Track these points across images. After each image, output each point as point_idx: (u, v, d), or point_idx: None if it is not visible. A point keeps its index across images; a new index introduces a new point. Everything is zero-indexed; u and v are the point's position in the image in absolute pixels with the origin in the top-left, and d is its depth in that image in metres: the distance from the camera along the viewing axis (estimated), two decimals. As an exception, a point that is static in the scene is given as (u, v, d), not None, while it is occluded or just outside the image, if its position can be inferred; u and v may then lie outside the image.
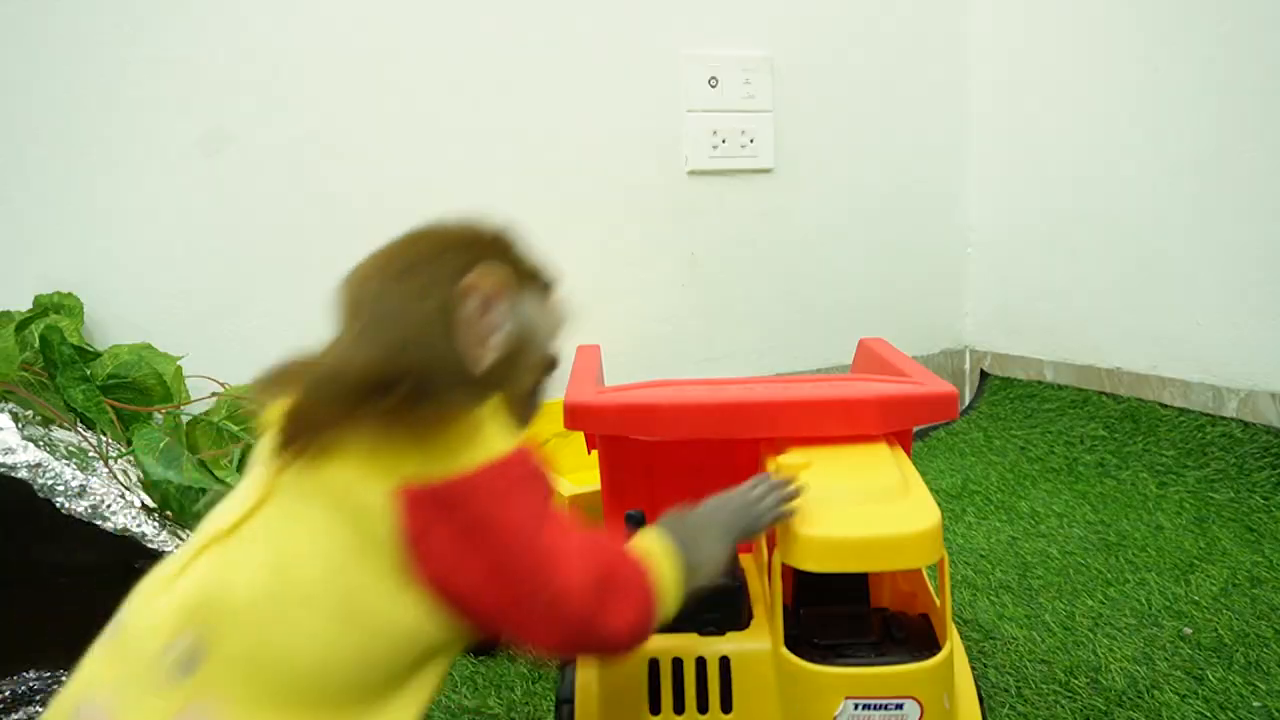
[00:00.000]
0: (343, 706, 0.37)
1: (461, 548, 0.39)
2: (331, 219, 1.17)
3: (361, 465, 0.38)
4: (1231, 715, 0.71)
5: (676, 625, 0.55)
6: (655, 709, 0.54)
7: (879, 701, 0.52)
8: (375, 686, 0.38)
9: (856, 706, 0.52)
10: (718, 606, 0.55)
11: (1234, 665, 0.78)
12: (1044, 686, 0.77)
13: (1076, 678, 0.78)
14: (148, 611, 0.39)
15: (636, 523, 0.59)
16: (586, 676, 0.58)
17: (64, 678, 0.78)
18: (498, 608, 0.40)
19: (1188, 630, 0.85)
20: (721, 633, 0.55)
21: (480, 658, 0.86)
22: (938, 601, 0.60)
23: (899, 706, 0.52)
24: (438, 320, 0.41)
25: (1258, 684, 0.75)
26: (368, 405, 0.37)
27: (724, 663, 0.55)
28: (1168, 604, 0.90)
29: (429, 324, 0.41)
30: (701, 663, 0.55)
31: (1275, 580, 0.94)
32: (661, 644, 0.55)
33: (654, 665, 0.55)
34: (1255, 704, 0.73)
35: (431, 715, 0.77)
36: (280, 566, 0.38)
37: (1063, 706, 0.74)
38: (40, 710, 0.75)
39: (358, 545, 0.38)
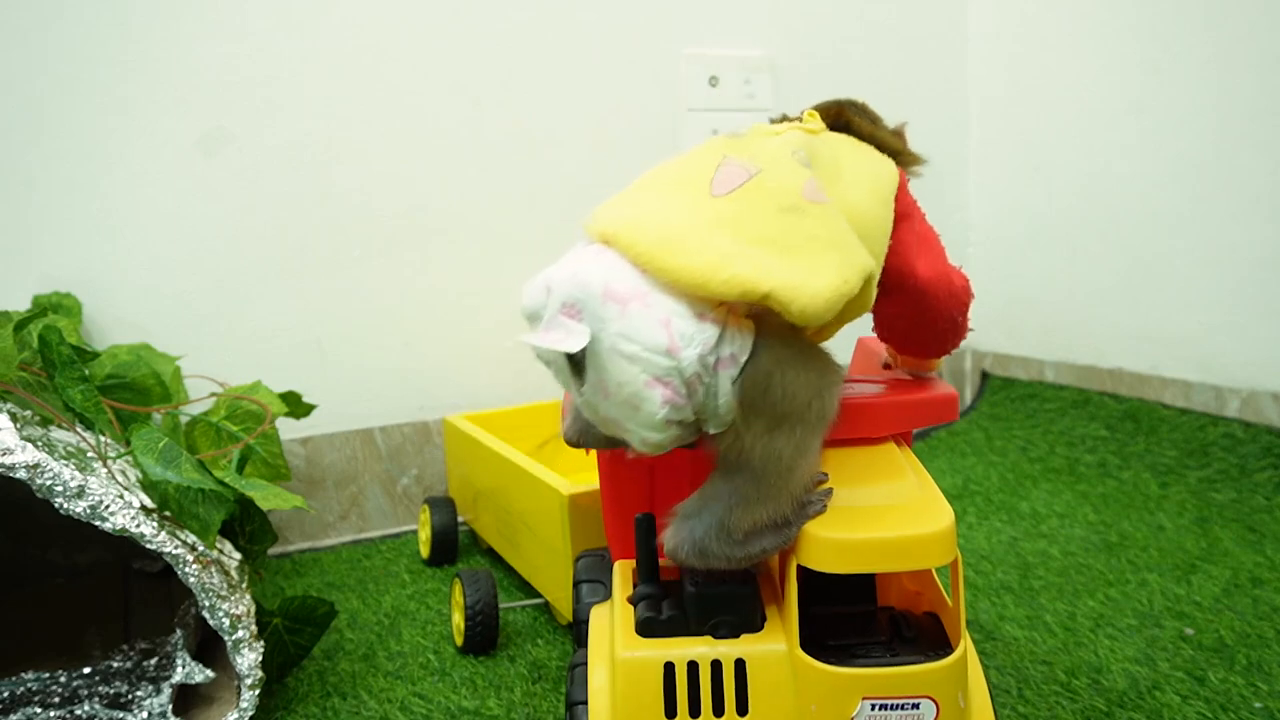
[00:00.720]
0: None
1: (913, 208, 0.66)
2: (331, 219, 1.17)
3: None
4: (1233, 716, 0.71)
5: (690, 628, 0.55)
6: (671, 712, 0.54)
7: (896, 701, 0.51)
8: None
9: (874, 707, 0.51)
10: (732, 608, 0.55)
11: (1235, 666, 0.78)
12: (1045, 687, 0.77)
13: (1078, 678, 0.78)
14: (768, 138, 0.62)
15: (646, 524, 0.59)
16: (600, 679, 0.58)
17: (63, 678, 0.78)
18: (917, 248, 0.64)
19: (1189, 631, 0.85)
20: (736, 635, 0.55)
21: (480, 657, 0.86)
22: (949, 601, 0.60)
23: (915, 706, 0.52)
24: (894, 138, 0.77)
25: (1259, 685, 0.75)
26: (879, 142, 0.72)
27: (739, 665, 0.54)
28: (1169, 604, 0.90)
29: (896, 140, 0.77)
30: (717, 665, 0.54)
31: (1277, 581, 0.94)
32: (676, 647, 0.55)
33: (669, 669, 0.54)
34: (1257, 705, 0.73)
35: (431, 716, 0.77)
36: (850, 152, 0.66)
37: (1064, 707, 0.74)
38: (40, 710, 0.74)
39: (880, 174, 0.65)
